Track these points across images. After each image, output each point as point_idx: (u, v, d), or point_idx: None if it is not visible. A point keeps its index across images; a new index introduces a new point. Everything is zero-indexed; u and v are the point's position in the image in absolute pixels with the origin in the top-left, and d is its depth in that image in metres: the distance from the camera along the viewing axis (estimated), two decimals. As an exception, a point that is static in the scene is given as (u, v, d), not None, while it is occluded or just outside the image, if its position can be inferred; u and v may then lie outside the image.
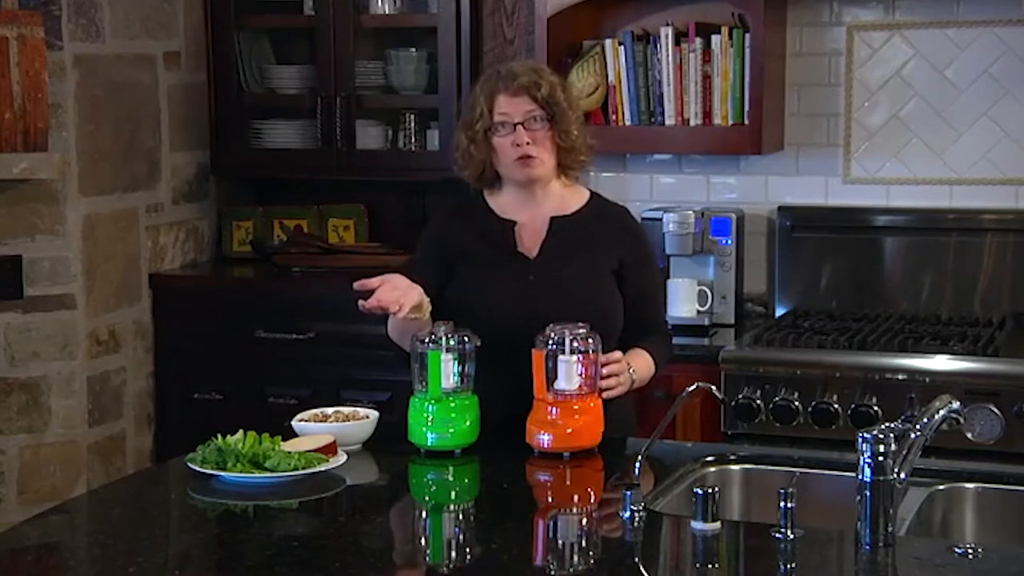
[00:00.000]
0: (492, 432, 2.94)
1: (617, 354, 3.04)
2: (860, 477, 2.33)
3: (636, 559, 2.39)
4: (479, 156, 3.13)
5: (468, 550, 2.49)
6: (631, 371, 3.06)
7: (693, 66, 4.29)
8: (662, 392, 3.89)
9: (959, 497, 2.77)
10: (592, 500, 2.79)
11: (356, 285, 2.94)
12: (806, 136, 4.44)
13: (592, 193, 3.28)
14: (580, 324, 2.87)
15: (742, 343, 4.02)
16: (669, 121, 4.32)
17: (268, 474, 2.69)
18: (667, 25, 4.33)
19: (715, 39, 4.26)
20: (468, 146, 3.13)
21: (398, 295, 2.92)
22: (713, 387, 2.67)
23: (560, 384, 2.85)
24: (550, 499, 2.84)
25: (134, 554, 2.36)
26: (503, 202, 3.20)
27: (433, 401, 2.88)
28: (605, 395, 2.95)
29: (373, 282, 2.94)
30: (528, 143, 3.08)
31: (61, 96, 4.27)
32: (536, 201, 3.18)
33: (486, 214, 3.20)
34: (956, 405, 2.47)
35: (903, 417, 2.51)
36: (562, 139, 3.13)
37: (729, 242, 4.31)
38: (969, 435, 3.63)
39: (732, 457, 2.94)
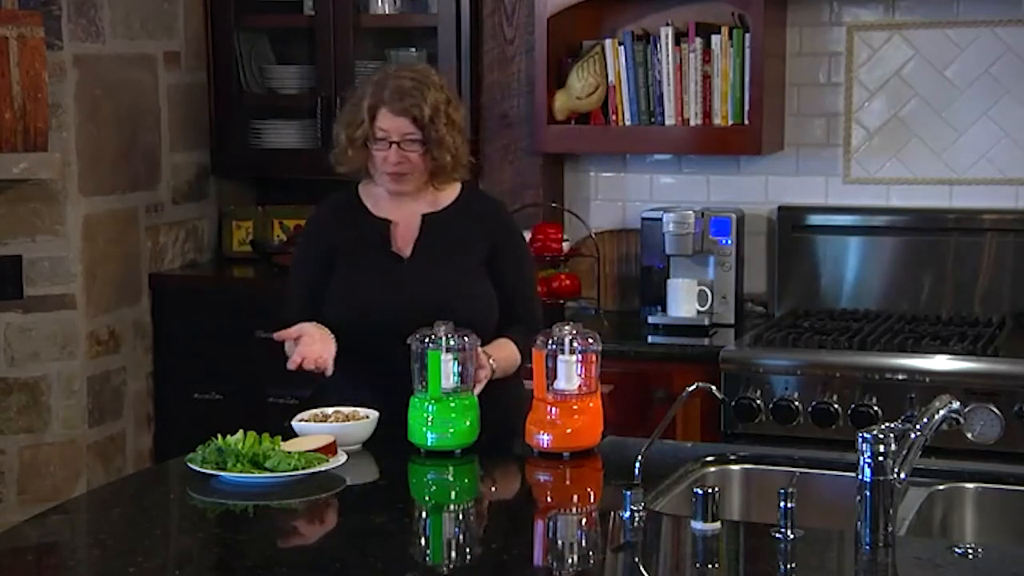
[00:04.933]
0: (399, 427, 2.95)
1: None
2: (860, 477, 2.33)
3: (636, 559, 2.39)
4: (357, 159, 3.21)
5: (468, 550, 2.49)
6: (491, 361, 3.06)
7: (693, 66, 4.28)
8: (662, 392, 3.90)
9: (959, 497, 2.77)
10: (592, 500, 2.79)
11: (276, 336, 3.05)
12: (806, 136, 4.44)
13: (464, 185, 3.32)
14: (576, 325, 2.89)
15: (742, 343, 4.01)
16: (669, 121, 4.32)
17: (268, 474, 2.69)
18: (667, 25, 4.33)
19: (715, 39, 4.26)
20: (347, 148, 3.21)
21: (318, 348, 3.02)
22: (713, 387, 2.66)
23: (560, 384, 2.85)
24: (550, 499, 2.84)
25: (134, 554, 2.36)
26: (378, 198, 3.27)
27: (433, 401, 2.88)
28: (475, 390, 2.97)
29: (291, 333, 3.04)
30: (401, 162, 3.15)
31: (61, 96, 4.27)
32: (408, 200, 3.24)
33: (362, 212, 3.26)
34: (956, 405, 2.47)
35: (903, 417, 2.50)
36: (435, 161, 3.17)
37: (729, 242, 4.31)
38: (969, 435, 3.63)
39: (732, 457, 2.94)
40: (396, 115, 3.13)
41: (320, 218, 3.36)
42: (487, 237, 3.24)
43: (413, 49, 4.74)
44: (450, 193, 3.27)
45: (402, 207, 3.24)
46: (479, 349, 3.03)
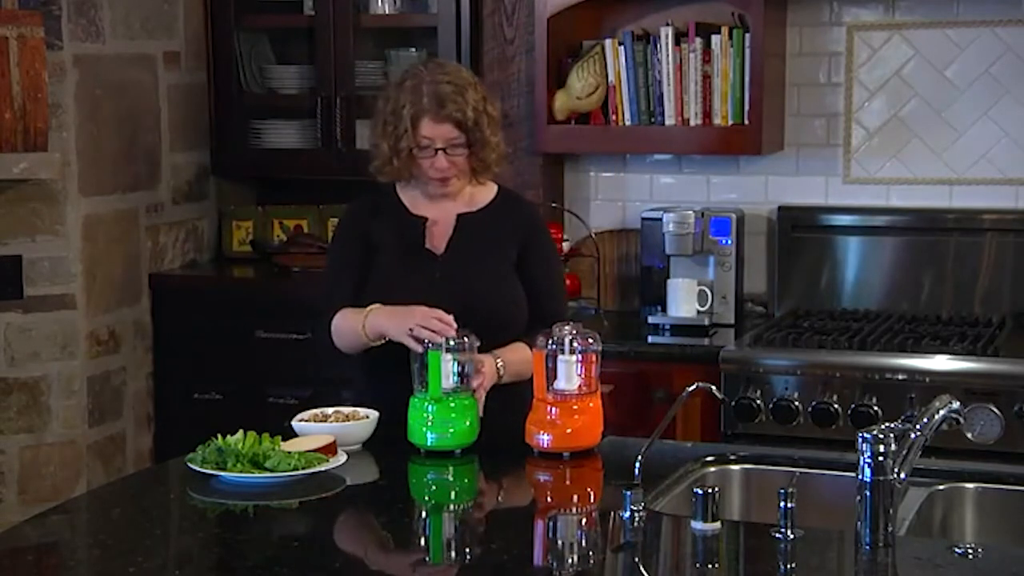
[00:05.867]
0: (400, 427, 2.94)
1: (483, 356, 3.03)
2: (860, 477, 2.33)
3: (636, 559, 2.39)
4: (403, 169, 3.19)
5: (468, 550, 2.49)
6: (499, 364, 3.07)
7: (693, 66, 4.28)
8: (662, 392, 3.89)
9: (959, 497, 2.77)
10: (592, 500, 2.79)
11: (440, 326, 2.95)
12: (806, 136, 4.44)
13: (500, 188, 3.33)
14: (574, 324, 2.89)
15: (742, 343, 4.01)
16: (669, 121, 4.32)
17: (268, 474, 2.69)
18: (667, 25, 4.33)
19: (715, 39, 4.26)
20: (391, 159, 3.18)
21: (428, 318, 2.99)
22: (713, 387, 2.66)
23: (560, 384, 2.85)
24: (550, 499, 2.84)
25: (134, 554, 2.36)
26: (415, 197, 3.27)
27: (433, 401, 2.88)
28: (477, 394, 2.96)
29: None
30: (448, 167, 3.15)
31: (61, 96, 4.27)
32: (447, 199, 3.25)
33: (400, 210, 3.27)
34: (956, 405, 2.47)
35: (903, 417, 2.50)
36: (479, 161, 3.18)
37: (729, 242, 4.31)
38: (969, 435, 3.63)
39: (732, 457, 2.94)
40: (439, 122, 3.12)
41: (359, 209, 3.35)
42: (518, 239, 3.26)
43: (413, 49, 4.74)
44: (487, 194, 3.29)
45: (439, 206, 3.25)
46: (488, 357, 3.04)
